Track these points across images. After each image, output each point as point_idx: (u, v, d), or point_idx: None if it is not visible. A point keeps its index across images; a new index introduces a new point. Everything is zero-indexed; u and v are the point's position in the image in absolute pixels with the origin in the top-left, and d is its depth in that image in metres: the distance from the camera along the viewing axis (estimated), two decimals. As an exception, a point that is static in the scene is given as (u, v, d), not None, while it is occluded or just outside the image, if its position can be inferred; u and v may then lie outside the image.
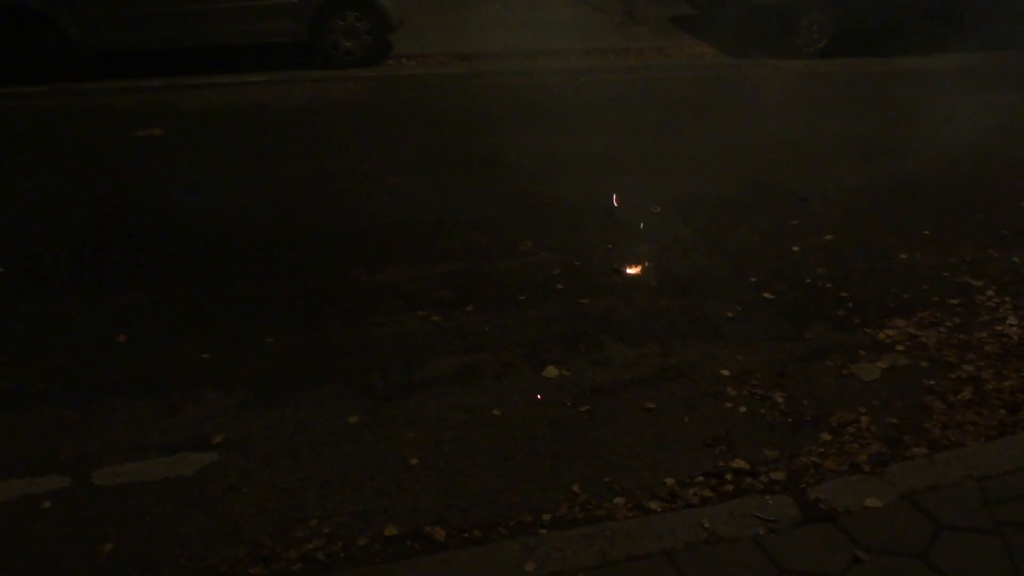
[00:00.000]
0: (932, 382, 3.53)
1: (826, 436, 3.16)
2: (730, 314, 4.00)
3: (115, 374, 3.45)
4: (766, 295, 4.19)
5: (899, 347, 3.78)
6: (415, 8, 9.45)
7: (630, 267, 4.44)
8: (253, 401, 3.30)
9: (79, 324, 3.80)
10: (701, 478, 2.92)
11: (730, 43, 9.48)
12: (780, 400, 3.37)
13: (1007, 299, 4.23)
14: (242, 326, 3.82)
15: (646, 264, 4.47)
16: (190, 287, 4.15)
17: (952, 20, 9.91)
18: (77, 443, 3.03)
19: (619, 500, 2.81)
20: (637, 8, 10.61)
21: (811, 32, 9.30)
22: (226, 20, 7.77)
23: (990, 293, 4.28)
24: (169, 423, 3.15)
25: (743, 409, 3.31)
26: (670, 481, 2.90)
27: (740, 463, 2.98)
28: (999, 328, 3.97)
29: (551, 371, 3.51)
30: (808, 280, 4.35)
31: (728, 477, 2.92)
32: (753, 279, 4.34)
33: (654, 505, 2.78)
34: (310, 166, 5.74)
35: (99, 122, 6.59)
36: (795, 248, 4.70)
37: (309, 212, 5.03)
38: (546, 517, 2.73)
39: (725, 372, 3.54)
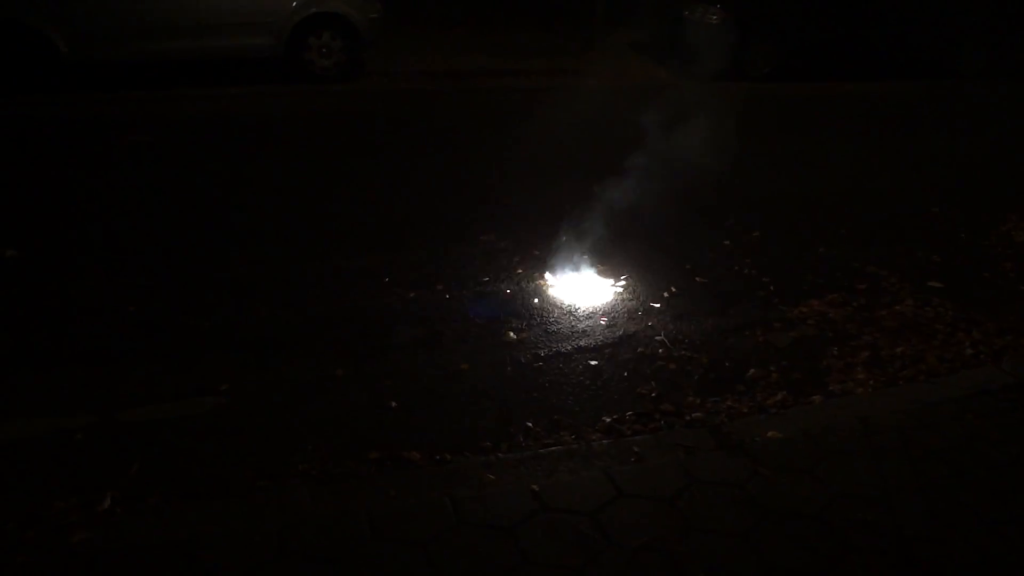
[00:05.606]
0: (835, 348, 4.13)
1: (741, 387, 3.74)
2: (666, 294, 4.59)
3: (129, 339, 3.92)
4: (698, 279, 4.79)
5: (809, 321, 4.39)
6: (389, 29, 10.04)
7: (582, 257, 4.99)
8: (252, 361, 3.79)
9: (93, 300, 4.26)
10: (634, 417, 3.47)
11: (683, 67, 10.24)
12: (705, 360, 3.95)
13: (907, 285, 4.87)
14: (237, 303, 4.31)
15: (595, 255, 5.03)
16: (188, 274, 4.61)
17: (889, 50, 10.82)
18: (99, 391, 3.50)
19: (565, 433, 3.35)
20: (598, 34, 11.38)
21: (756, 59, 10.13)
22: (209, 36, 8.31)
23: (893, 280, 4.92)
24: (181, 377, 3.63)
25: (673, 367, 3.89)
26: (608, 419, 3.45)
27: (667, 406, 3.55)
28: (897, 308, 4.60)
29: (510, 336, 4.06)
30: (736, 268, 4.96)
31: (657, 417, 3.48)
32: (688, 266, 4.93)
33: (594, 436, 3.33)
34: (289, 170, 6.26)
35: (90, 129, 7.05)
36: (726, 242, 5.31)
37: (292, 209, 5.54)
38: (504, 445, 3.26)
39: (659, 338, 4.12)
